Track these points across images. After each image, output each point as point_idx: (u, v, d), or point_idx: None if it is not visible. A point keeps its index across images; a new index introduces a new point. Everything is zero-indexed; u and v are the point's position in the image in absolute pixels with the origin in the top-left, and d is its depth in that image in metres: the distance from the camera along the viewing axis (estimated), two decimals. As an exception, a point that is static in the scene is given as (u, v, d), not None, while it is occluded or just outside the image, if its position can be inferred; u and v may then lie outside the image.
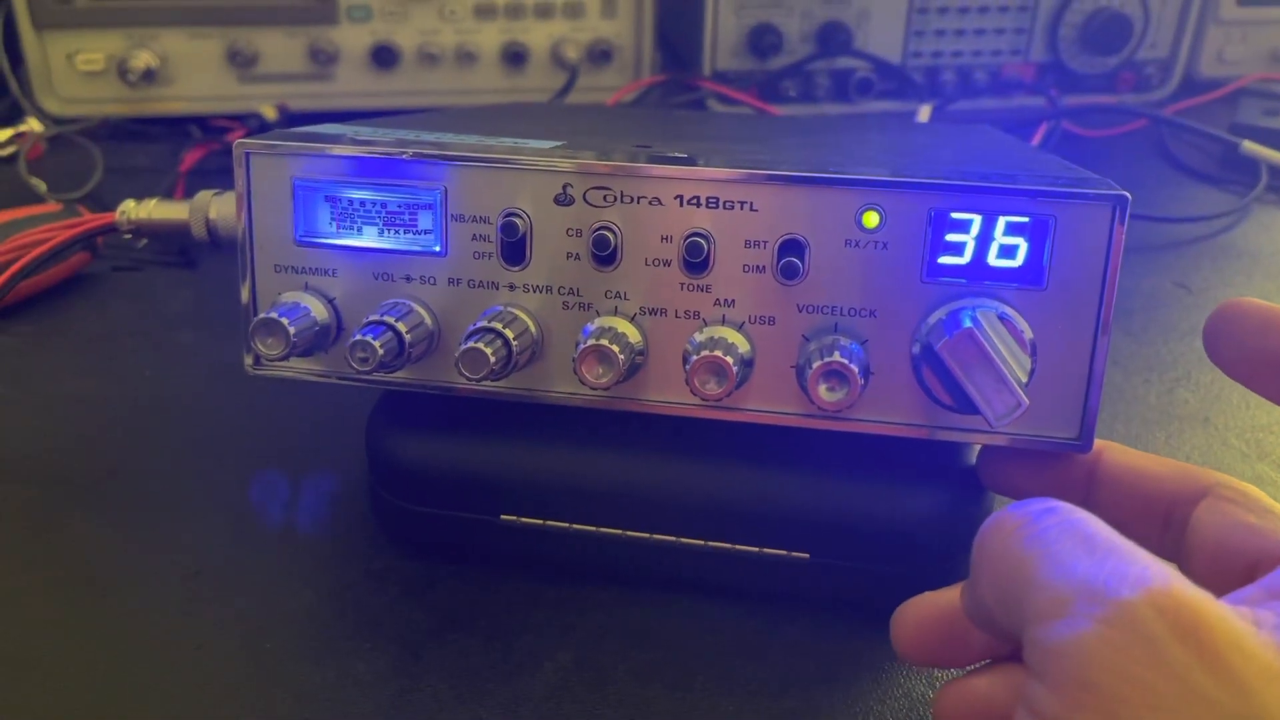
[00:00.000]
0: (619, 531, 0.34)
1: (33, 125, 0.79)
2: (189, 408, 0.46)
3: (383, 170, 0.32)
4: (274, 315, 0.31)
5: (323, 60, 0.83)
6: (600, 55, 0.86)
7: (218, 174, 0.70)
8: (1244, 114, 0.84)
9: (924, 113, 0.79)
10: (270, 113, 0.80)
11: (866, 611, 0.34)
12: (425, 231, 0.32)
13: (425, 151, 0.31)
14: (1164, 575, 0.17)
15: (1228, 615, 0.17)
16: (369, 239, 0.32)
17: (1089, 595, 0.17)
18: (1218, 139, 0.75)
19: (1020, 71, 0.92)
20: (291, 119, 0.82)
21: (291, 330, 0.31)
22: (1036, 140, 0.78)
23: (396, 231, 0.32)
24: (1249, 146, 0.72)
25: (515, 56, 0.85)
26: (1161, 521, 0.28)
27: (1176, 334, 0.54)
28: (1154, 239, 0.67)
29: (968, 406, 0.29)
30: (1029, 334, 0.29)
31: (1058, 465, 0.31)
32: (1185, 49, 0.94)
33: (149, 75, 0.81)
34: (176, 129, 0.82)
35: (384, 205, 0.32)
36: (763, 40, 0.87)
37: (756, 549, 0.34)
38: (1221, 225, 0.69)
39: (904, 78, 0.89)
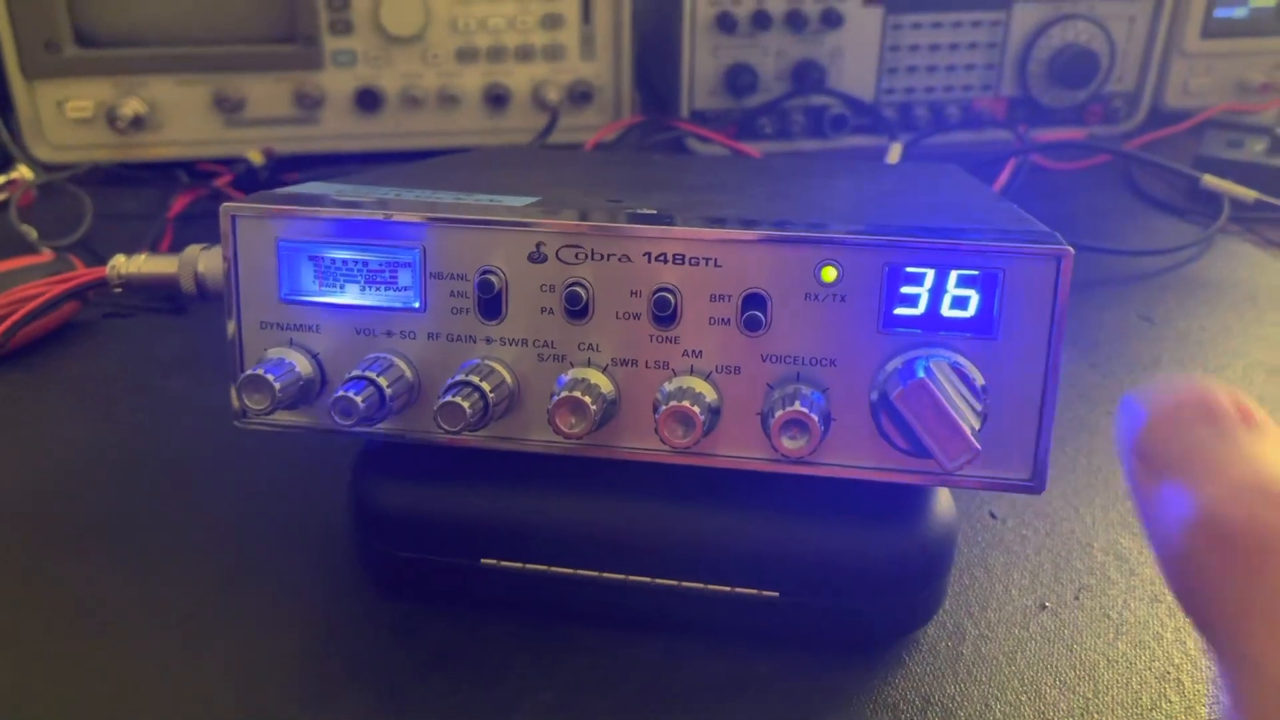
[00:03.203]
0: (595, 573, 0.35)
1: (24, 173, 0.80)
2: (179, 453, 0.47)
3: (364, 231, 0.33)
4: (260, 372, 0.32)
5: (308, 105, 0.85)
6: (580, 96, 0.88)
7: (206, 218, 0.71)
8: (1208, 146, 0.86)
9: (894, 152, 0.81)
10: (257, 157, 0.82)
11: (835, 647, 0.35)
12: (405, 288, 0.33)
13: (404, 215, 0.33)
14: None
15: None
16: (351, 296, 0.34)
17: None
18: (1180, 173, 0.77)
19: (991, 106, 0.94)
20: (278, 163, 0.83)
21: (277, 386, 0.32)
22: (1005, 176, 0.80)
23: (377, 289, 0.34)
24: (1209, 180, 0.74)
25: (497, 99, 0.87)
26: None
27: (1139, 366, 0.56)
28: (1118, 271, 0.68)
29: (924, 452, 0.30)
30: (980, 381, 0.31)
31: None
32: (1151, 81, 0.96)
33: (138, 122, 0.82)
34: (165, 174, 0.83)
35: (365, 264, 0.33)
36: (739, 80, 0.89)
37: (728, 589, 0.35)
38: (1185, 257, 0.71)
39: (876, 114, 0.92)
